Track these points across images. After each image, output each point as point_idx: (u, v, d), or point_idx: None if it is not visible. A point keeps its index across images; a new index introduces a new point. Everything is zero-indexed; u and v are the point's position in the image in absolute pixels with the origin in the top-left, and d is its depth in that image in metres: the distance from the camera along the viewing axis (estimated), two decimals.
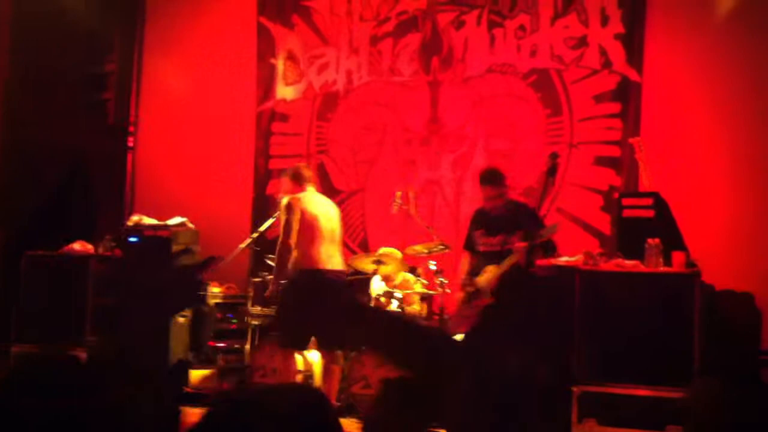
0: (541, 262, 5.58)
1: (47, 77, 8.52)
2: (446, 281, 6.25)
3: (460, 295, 5.80)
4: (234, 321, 7.18)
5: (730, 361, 5.37)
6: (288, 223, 5.78)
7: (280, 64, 8.25)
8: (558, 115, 7.24)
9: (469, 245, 5.89)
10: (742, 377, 5.32)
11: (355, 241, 7.71)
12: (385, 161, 7.80)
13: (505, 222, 5.63)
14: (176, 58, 8.69)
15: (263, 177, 8.23)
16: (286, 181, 6.07)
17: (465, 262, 5.88)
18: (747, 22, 6.63)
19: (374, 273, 6.50)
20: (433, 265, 6.36)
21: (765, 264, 6.10)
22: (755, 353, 5.60)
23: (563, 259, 6.00)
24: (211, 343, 6.98)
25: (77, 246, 6.86)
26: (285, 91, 8.24)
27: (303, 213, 5.80)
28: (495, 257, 5.56)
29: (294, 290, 5.81)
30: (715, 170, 6.64)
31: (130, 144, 8.78)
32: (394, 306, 6.29)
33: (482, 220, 5.81)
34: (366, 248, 7.58)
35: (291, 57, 8.23)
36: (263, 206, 7.98)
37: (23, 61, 8.48)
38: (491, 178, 5.72)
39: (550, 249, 5.74)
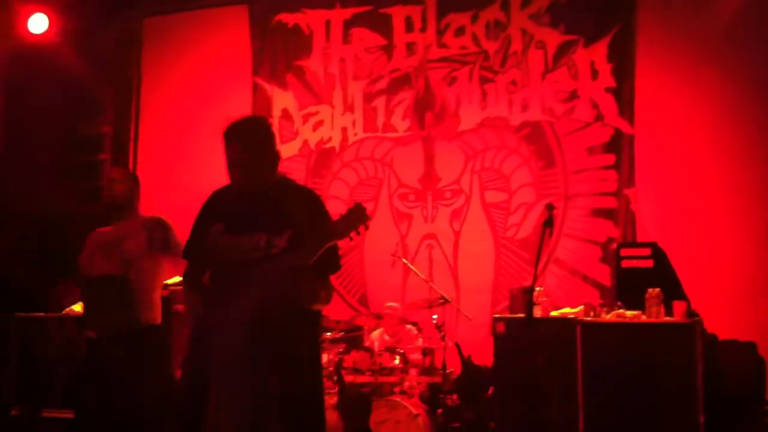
0: None
1: (39, 139, 8.52)
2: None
3: None
4: None
5: (734, 412, 5.37)
6: None
7: (275, 122, 8.33)
8: (551, 167, 7.32)
9: (198, 251, 3.52)
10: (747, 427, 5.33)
11: (355, 297, 7.71)
12: (381, 216, 7.84)
13: (268, 212, 3.41)
14: (172, 117, 8.77)
15: None
16: None
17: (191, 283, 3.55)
18: (733, 74, 6.73)
19: (375, 328, 6.47)
20: (434, 319, 6.36)
21: (767, 312, 6.13)
22: (759, 402, 5.60)
23: (564, 311, 6.04)
24: None
25: (78, 308, 6.78)
26: (280, 149, 8.28)
27: None
28: (246, 271, 3.25)
29: None
30: (714, 219, 6.67)
31: None
32: (396, 362, 6.24)
33: (224, 210, 3.49)
34: (365, 303, 7.59)
35: (286, 115, 8.33)
36: None
37: (15, 124, 8.49)
38: (240, 129, 3.48)
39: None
